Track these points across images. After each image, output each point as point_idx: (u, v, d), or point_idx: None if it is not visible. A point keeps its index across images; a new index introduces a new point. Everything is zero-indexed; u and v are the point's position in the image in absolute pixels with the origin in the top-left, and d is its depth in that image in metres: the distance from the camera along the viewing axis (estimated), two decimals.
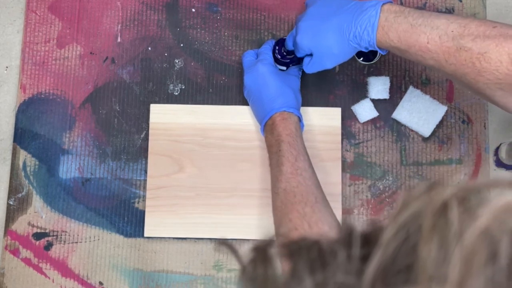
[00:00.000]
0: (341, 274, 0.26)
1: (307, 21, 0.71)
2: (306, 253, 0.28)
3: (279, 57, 0.79)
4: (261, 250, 0.29)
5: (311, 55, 0.72)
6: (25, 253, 0.80)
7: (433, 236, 0.24)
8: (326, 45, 0.69)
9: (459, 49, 0.60)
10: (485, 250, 0.23)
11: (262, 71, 0.77)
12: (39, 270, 0.80)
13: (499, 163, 0.81)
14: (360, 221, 0.81)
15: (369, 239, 0.27)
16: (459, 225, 0.24)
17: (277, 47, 0.80)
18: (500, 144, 0.81)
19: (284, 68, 0.80)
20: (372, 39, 0.66)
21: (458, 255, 0.23)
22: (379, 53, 0.82)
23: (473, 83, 0.61)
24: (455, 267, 0.23)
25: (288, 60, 0.79)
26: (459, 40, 0.60)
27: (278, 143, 0.72)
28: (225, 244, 0.33)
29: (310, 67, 0.73)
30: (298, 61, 0.79)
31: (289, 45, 0.76)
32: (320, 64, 0.72)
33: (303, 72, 0.80)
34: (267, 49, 0.80)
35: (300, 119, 0.76)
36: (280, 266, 0.28)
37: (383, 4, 0.66)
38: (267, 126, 0.75)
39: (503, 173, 0.82)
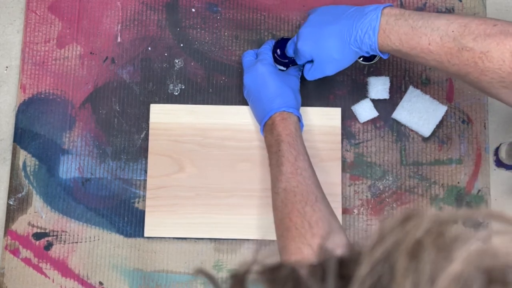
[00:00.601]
0: None
1: (308, 28, 0.71)
2: (282, 285, 0.27)
3: (279, 57, 0.79)
4: (239, 279, 0.28)
5: (311, 61, 0.73)
6: (25, 253, 0.80)
7: (406, 280, 0.24)
8: (327, 50, 0.70)
9: (461, 49, 0.60)
10: None
11: (261, 71, 0.77)
12: (39, 270, 0.80)
13: (499, 163, 0.81)
14: (360, 221, 0.81)
15: (347, 268, 0.26)
16: (432, 269, 0.24)
17: (277, 47, 0.80)
18: (500, 144, 0.81)
19: (284, 68, 0.80)
20: (374, 42, 0.66)
21: None
22: (387, 57, 0.82)
23: (477, 82, 0.61)
24: None
25: (288, 60, 0.79)
26: (460, 40, 0.60)
27: (278, 143, 0.72)
28: (203, 272, 0.32)
29: (311, 73, 0.73)
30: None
31: (290, 52, 0.77)
32: (321, 71, 0.73)
33: (303, 72, 0.80)
34: (267, 49, 0.80)
35: (299, 119, 0.76)
36: None
37: (384, 7, 0.67)
38: (267, 126, 0.75)
39: (502, 173, 0.82)
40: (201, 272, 0.32)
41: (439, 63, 0.63)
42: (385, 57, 0.70)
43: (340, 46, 0.69)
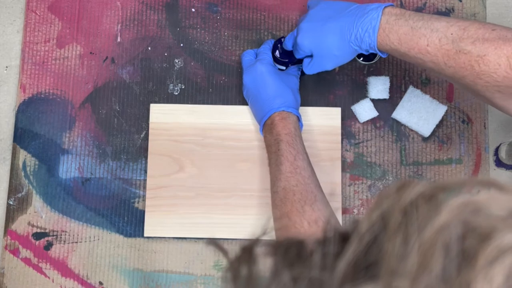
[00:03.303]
0: (317, 270, 0.27)
1: (308, 22, 0.71)
2: (286, 251, 0.29)
3: (279, 56, 0.79)
4: (247, 249, 0.30)
5: (311, 56, 0.73)
6: (25, 253, 0.80)
7: (398, 233, 0.26)
8: (326, 46, 0.70)
9: (458, 52, 0.61)
10: (441, 244, 0.24)
11: (261, 70, 0.77)
12: (39, 270, 0.80)
13: (499, 163, 0.81)
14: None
15: (348, 236, 0.28)
16: (421, 221, 0.25)
17: (277, 47, 0.80)
18: (500, 144, 0.81)
19: (284, 67, 0.80)
20: (373, 41, 0.67)
21: (416, 249, 0.25)
22: (385, 56, 0.82)
23: (472, 86, 0.62)
24: (413, 261, 0.24)
25: (288, 60, 0.79)
26: (458, 43, 0.61)
27: (277, 143, 0.72)
28: (213, 243, 0.34)
29: (310, 68, 0.74)
30: (298, 60, 0.79)
31: (288, 46, 0.76)
32: (320, 65, 0.73)
33: (302, 71, 0.80)
34: (266, 49, 0.80)
35: (299, 118, 0.76)
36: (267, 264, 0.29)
37: (385, 7, 0.67)
38: (266, 126, 0.75)
39: (502, 173, 0.82)
40: (212, 243, 0.34)
41: (436, 64, 0.63)
42: (384, 55, 0.70)
43: (340, 43, 0.69)
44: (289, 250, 0.29)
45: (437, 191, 0.27)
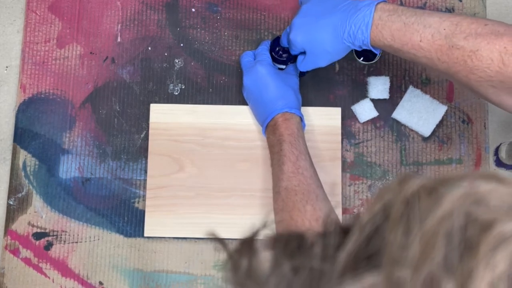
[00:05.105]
0: (317, 260, 0.28)
1: (301, 18, 0.71)
2: (287, 243, 0.29)
3: (277, 56, 0.79)
4: (248, 241, 0.30)
5: (304, 53, 0.73)
6: (25, 253, 0.80)
7: (400, 223, 0.26)
8: (319, 42, 0.70)
9: (451, 47, 0.61)
10: (443, 233, 0.24)
11: (261, 72, 0.77)
12: (39, 270, 0.79)
13: (499, 163, 0.81)
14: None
15: (349, 229, 0.28)
16: (423, 212, 0.26)
17: (273, 46, 0.80)
18: (500, 144, 0.81)
19: (283, 66, 0.80)
20: (366, 37, 0.67)
21: (418, 238, 0.25)
22: (379, 53, 0.82)
23: (466, 81, 0.62)
24: (415, 250, 0.24)
25: (286, 58, 0.79)
26: (451, 38, 0.61)
27: (280, 143, 0.72)
28: (213, 234, 0.35)
29: (304, 65, 0.74)
30: (296, 57, 0.79)
31: (284, 42, 0.77)
32: (314, 62, 0.73)
33: (301, 72, 0.80)
34: (264, 49, 0.80)
35: (301, 119, 0.76)
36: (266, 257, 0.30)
37: (378, 3, 0.67)
38: (269, 127, 0.75)
39: (502, 173, 0.82)
40: (211, 234, 0.35)
41: (429, 60, 0.64)
42: (377, 52, 0.70)
43: (333, 40, 0.69)
44: (290, 242, 0.29)
45: (439, 184, 0.27)
